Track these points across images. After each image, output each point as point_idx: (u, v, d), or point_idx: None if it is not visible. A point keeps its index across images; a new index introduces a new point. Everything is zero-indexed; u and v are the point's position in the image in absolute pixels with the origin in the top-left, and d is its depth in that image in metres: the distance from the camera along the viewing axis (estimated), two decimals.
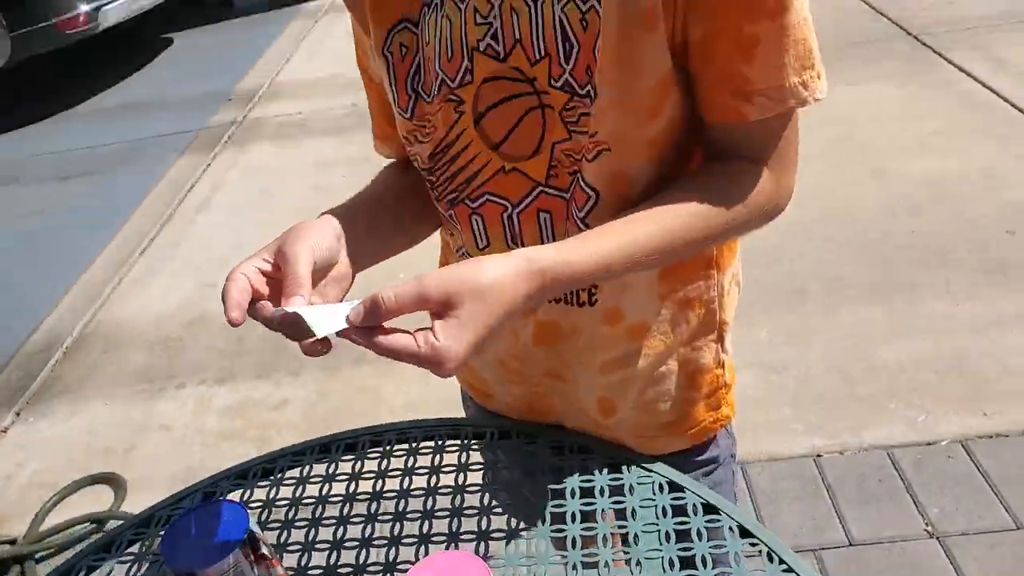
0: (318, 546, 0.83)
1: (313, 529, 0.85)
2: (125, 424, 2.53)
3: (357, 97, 4.49)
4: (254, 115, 4.71)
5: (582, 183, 0.72)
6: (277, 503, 0.90)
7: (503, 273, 0.62)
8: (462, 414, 1.06)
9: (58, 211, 4.08)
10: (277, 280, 0.67)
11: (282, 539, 0.85)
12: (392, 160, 0.92)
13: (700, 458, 0.93)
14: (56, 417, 2.62)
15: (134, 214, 3.77)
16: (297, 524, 0.87)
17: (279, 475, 0.94)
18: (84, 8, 5.28)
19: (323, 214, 0.75)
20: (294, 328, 0.62)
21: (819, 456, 1.92)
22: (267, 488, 0.92)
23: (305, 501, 0.89)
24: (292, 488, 0.91)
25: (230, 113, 4.78)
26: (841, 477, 1.86)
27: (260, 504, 0.90)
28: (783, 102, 0.68)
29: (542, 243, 0.77)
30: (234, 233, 3.46)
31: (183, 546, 0.70)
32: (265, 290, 0.66)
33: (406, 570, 0.65)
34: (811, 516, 1.77)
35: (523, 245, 0.78)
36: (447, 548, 0.79)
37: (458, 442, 0.93)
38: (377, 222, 0.81)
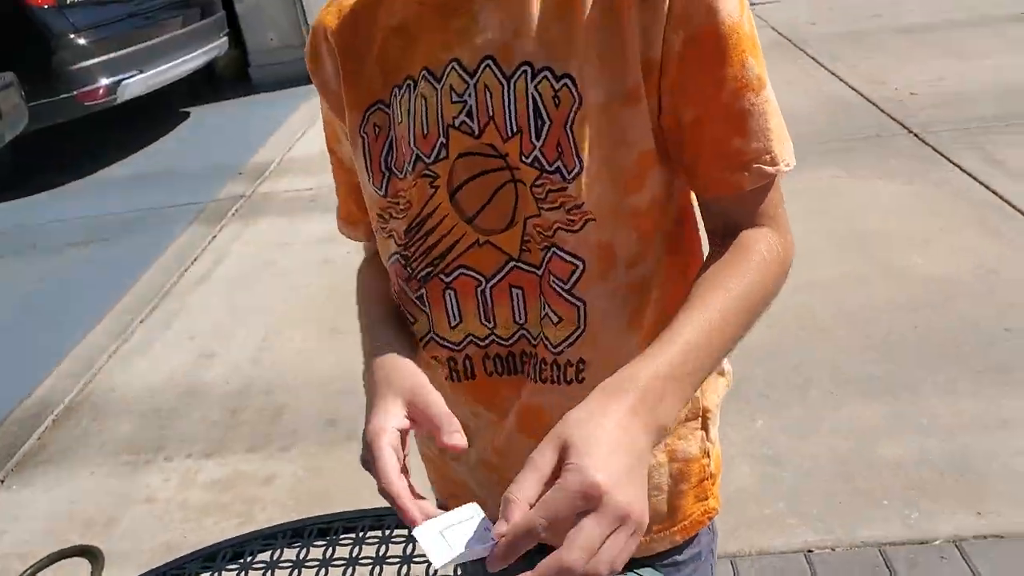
0: None
1: None
2: (108, 496, 2.50)
3: None
4: (263, 189, 4.80)
5: (563, 254, 0.74)
6: None
7: (606, 424, 0.59)
8: None
9: (63, 278, 4.12)
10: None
11: None
12: (364, 257, 0.96)
13: (680, 557, 0.90)
14: (39, 486, 2.58)
15: (136, 284, 3.80)
16: None
17: (248, 558, 0.92)
18: (105, 82, 5.44)
19: (377, 349, 0.78)
20: None
21: (810, 552, 1.88)
22: (236, 572, 0.90)
23: None
24: (261, 572, 0.90)
25: (239, 187, 4.87)
26: (832, 574, 1.81)
27: None
28: (773, 165, 0.73)
29: (514, 321, 0.78)
30: (233, 305, 3.48)
31: None
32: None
33: None
34: None
35: (495, 322, 0.79)
36: None
37: None
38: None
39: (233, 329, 3.30)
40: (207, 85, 7.52)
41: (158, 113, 6.91)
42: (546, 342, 0.78)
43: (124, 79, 5.55)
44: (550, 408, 0.79)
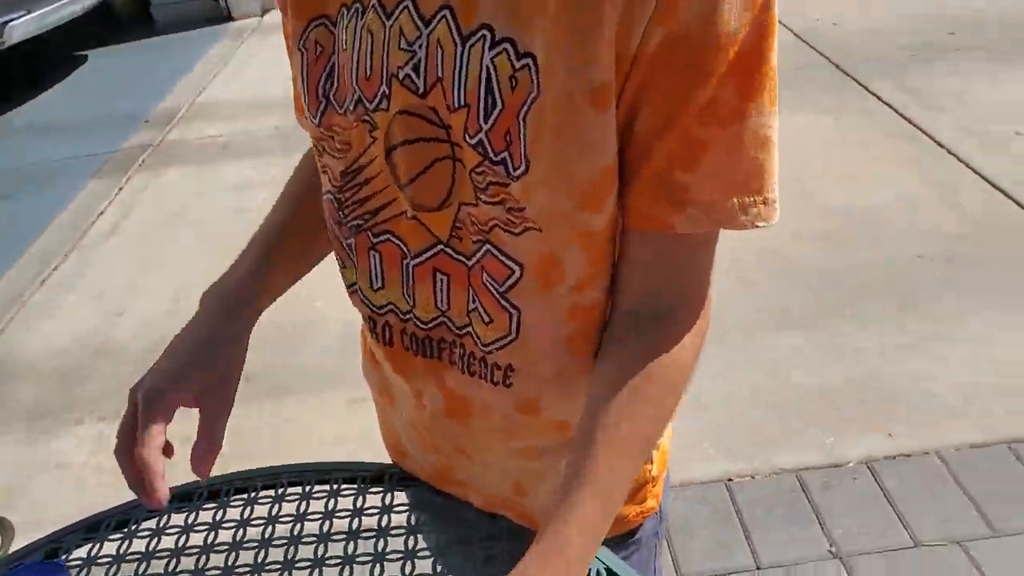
0: None
1: None
2: (16, 464, 2.38)
3: (281, 119, 4.40)
4: (172, 137, 4.56)
5: (499, 255, 0.65)
6: (128, 558, 0.83)
7: None
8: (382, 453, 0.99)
9: None
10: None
11: None
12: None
13: (618, 545, 0.85)
14: None
15: (36, 242, 3.60)
16: None
17: (133, 527, 0.87)
18: None
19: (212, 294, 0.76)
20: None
21: (730, 480, 1.93)
22: (118, 542, 0.85)
23: (159, 554, 0.83)
24: (145, 541, 0.85)
25: (146, 136, 4.62)
26: (751, 501, 1.87)
27: (109, 560, 0.83)
28: (717, 222, 0.61)
29: (435, 306, 0.71)
30: (143, 260, 3.33)
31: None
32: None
33: None
34: (721, 541, 1.77)
35: (415, 302, 0.72)
36: None
37: (327, 488, 0.88)
38: (292, 246, 0.81)
39: (144, 284, 3.15)
40: (104, 26, 7.05)
41: (51, 58, 6.46)
42: (476, 337, 0.71)
43: (10, 20, 5.16)
44: (479, 403, 0.75)
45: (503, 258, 0.65)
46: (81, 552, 0.85)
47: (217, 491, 0.89)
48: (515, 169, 0.60)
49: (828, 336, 2.39)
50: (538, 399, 0.73)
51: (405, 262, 0.71)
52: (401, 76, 0.63)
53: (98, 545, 0.85)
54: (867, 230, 2.87)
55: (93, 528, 0.87)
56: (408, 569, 0.76)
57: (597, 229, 0.64)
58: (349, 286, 0.78)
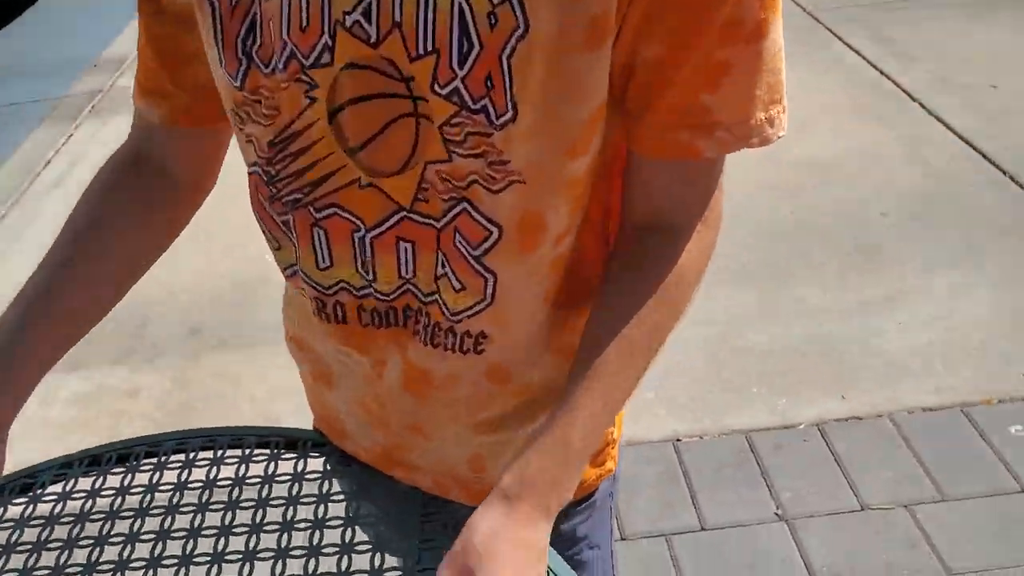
0: (68, 570, 0.74)
1: (66, 552, 0.76)
2: None
3: None
4: (123, 83, 4.40)
5: (475, 215, 0.60)
6: (30, 523, 0.80)
7: (489, 533, 0.57)
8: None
9: None
10: None
11: (30, 564, 0.75)
12: (116, 155, 0.77)
13: (574, 509, 0.84)
14: None
15: None
16: (49, 546, 0.77)
17: (39, 491, 0.83)
18: None
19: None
20: None
21: (679, 440, 1.93)
22: (22, 506, 0.81)
23: (62, 519, 0.79)
24: (50, 506, 0.81)
25: (95, 81, 4.46)
26: (699, 462, 1.87)
27: (11, 524, 0.79)
28: (744, 139, 0.59)
29: (399, 276, 0.66)
30: None
31: None
32: None
33: None
34: (666, 501, 1.77)
35: (375, 275, 0.66)
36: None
37: (239, 451, 0.85)
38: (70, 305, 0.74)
39: None
40: None
41: None
42: (443, 306, 0.66)
43: None
44: (442, 375, 0.71)
45: (479, 218, 0.60)
46: None
47: (126, 456, 0.85)
48: (499, 117, 0.55)
49: (784, 294, 2.39)
50: (509, 365, 0.71)
51: (357, 235, 0.64)
52: (348, 23, 0.55)
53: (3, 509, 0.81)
54: (829, 185, 2.86)
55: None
56: (316, 539, 0.73)
57: (580, 175, 0.61)
58: (286, 268, 0.71)
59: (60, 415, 2.30)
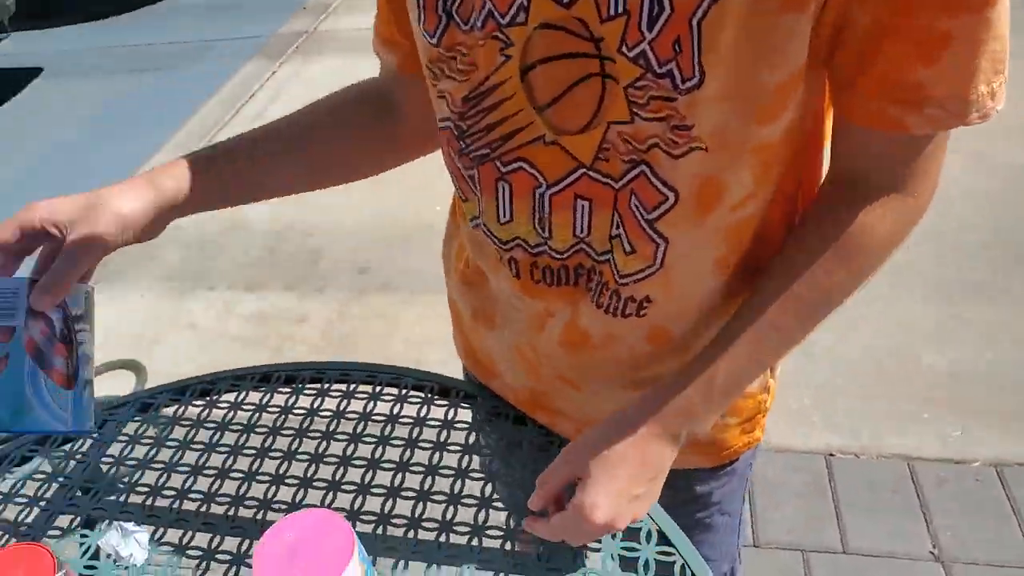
0: (232, 475, 0.79)
1: (232, 458, 0.82)
2: (155, 318, 2.58)
3: None
4: (325, 26, 4.65)
5: (653, 179, 0.60)
6: (206, 424, 0.86)
7: (616, 437, 0.63)
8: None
9: (126, 104, 4.15)
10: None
11: (200, 462, 0.82)
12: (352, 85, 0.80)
13: (717, 472, 0.85)
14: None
15: (194, 116, 3.80)
16: (218, 449, 0.83)
17: (214, 397, 0.90)
18: None
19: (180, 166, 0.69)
20: None
21: (832, 455, 1.81)
22: (200, 408, 0.89)
23: (232, 426, 0.86)
24: (223, 411, 0.88)
25: (302, 22, 4.74)
26: (851, 480, 1.75)
27: (189, 423, 0.87)
28: (961, 116, 0.55)
29: (574, 235, 0.66)
30: None
31: None
32: None
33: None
34: (810, 515, 1.68)
35: (551, 232, 0.67)
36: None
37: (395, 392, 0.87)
38: (266, 156, 0.73)
39: None
40: None
41: None
42: (614, 267, 0.66)
43: None
44: (600, 335, 0.71)
45: (656, 182, 0.60)
46: (168, 411, 0.89)
47: (293, 377, 0.90)
48: (684, 81, 0.54)
49: (976, 314, 2.17)
50: (672, 328, 0.70)
51: (538, 191, 0.65)
52: None
53: (184, 407, 0.89)
54: None
55: (180, 392, 0.91)
56: (457, 487, 0.74)
57: (771, 141, 0.59)
58: (471, 219, 0.72)
59: (236, 329, 2.50)
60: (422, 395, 0.86)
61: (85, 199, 0.64)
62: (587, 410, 0.80)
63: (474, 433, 0.82)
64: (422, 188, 2.58)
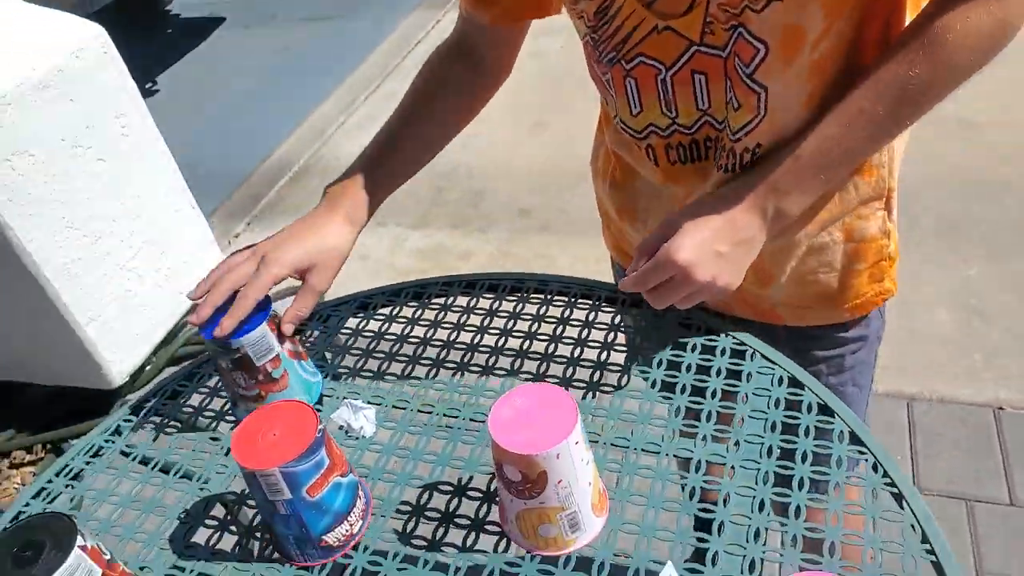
0: (386, 378, 0.92)
1: (387, 362, 0.94)
2: None
3: None
4: None
5: (747, 35, 0.69)
6: (363, 333, 0.99)
7: (709, 207, 0.73)
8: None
9: (300, 50, 4.43)
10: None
11: (358, 366, 0.94)
12: (446, 42, 0.93)
13: (847, 334, 0.91)
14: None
15: (364, 62, 4.01)
16: (375, 354, 0.95)
17: (371, 311, 1.03)
18: None
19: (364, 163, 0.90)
20: None
21: (1001, 409, 1.76)
22: (358, 320, 1.02)
23: (387, 335, 0.98)
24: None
25: None
26: (1022, 435, 1.70)
27: (348, 333, 1.00)
28: None
29: (697, 108, 0.77)
30: None
31: (217, 320, 0.79)
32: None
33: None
34: (974, 467, 1.64)
35: (677, 111, 0.78)
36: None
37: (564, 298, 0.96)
38: (417, 136, 0.91)
39: None
40: None
41: None
42: (729, 128, 0.76)
43: None
44: None
45: (750, 39, 0.69)
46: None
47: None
48: None
49: None
50: None
51: (660, 78, 0.76)
52: None
53: (370, 312, 1.02)
54: None
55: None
56: (596, 376, 0.84)
57: None
58: (614, 118, 0.84)
59: (403, 263, 2.68)
60: (565, 299, 0.97)
61: (310, 246, 0.84)
62: None
63: (612, 332, 0.92)
64: (580, 135, 2.64)
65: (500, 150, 3.10)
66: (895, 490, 0.71)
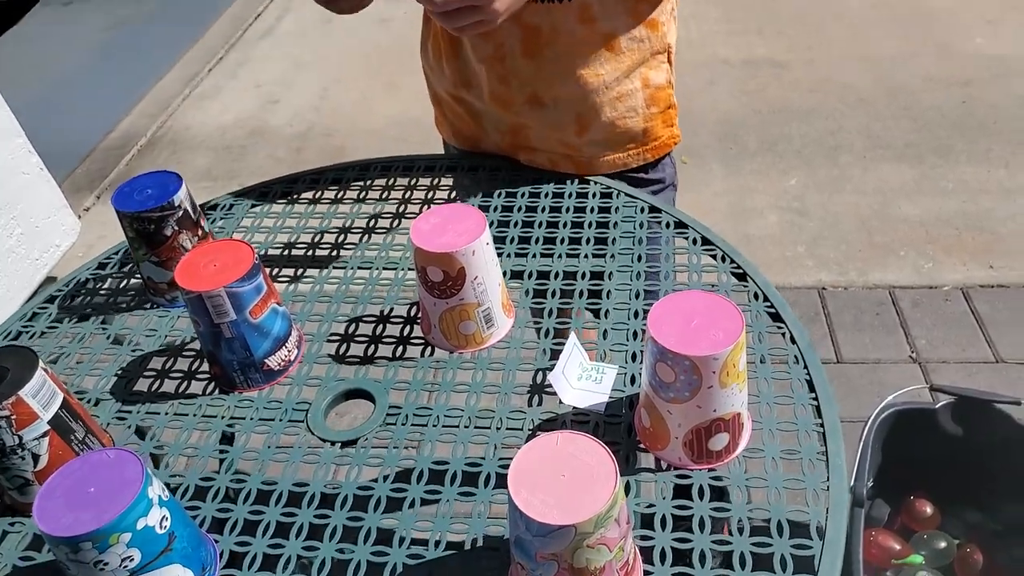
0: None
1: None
2: None
3: None
4: None
5: None
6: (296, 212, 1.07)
7: None
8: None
9: (137, 23, 4.24)
10: None
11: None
12: None
13: (651, 176, 1.08)
14: None
15: (205, 35, 3.90)
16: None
17: (295, 196, 1.11)
18: None
19: None
20: None
21: (824, 289, 2.05)
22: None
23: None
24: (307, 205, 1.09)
25: None
26: (841, 308, 1.99)
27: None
28: None
29: None
30: (295, 58, 3.59)
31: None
32: None
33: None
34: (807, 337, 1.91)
35: None
36: None
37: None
38: None
39: (295, 79, 3.42)
40: None
41: None
42: None
43: None
44: (548, 29, 0.93)
45: None
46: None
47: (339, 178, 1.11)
48: None
49: (945, 172, 2.40)
50: (590, 6, 0.92)
51: None
52: None
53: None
54: (1008, 80, 2.76)
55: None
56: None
57: None
58: None
59: None
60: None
61: None
62: (552, 134, 1.02)
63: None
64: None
65: (355, 110, 3.15)
66: (739, 270, 0.88)
